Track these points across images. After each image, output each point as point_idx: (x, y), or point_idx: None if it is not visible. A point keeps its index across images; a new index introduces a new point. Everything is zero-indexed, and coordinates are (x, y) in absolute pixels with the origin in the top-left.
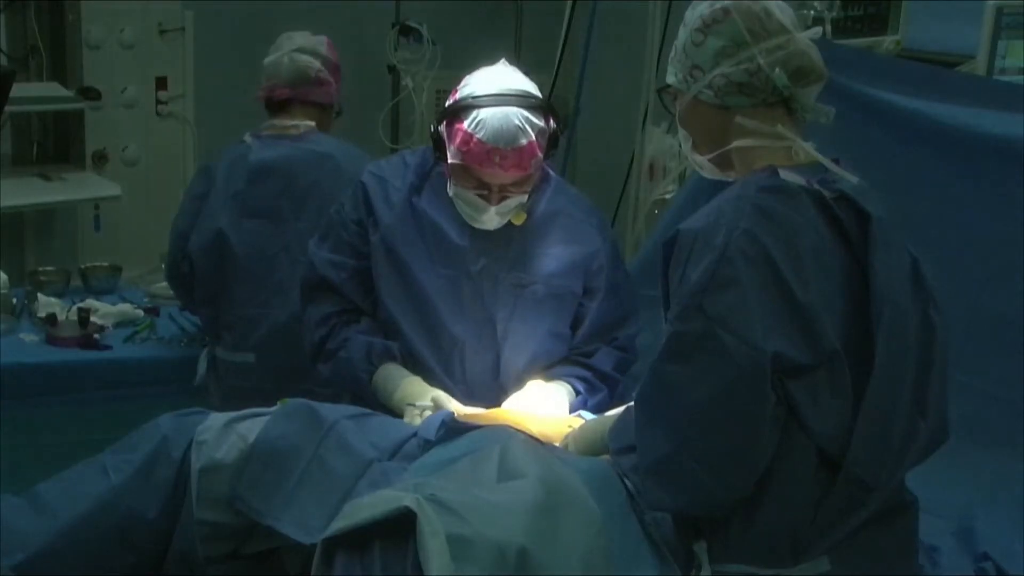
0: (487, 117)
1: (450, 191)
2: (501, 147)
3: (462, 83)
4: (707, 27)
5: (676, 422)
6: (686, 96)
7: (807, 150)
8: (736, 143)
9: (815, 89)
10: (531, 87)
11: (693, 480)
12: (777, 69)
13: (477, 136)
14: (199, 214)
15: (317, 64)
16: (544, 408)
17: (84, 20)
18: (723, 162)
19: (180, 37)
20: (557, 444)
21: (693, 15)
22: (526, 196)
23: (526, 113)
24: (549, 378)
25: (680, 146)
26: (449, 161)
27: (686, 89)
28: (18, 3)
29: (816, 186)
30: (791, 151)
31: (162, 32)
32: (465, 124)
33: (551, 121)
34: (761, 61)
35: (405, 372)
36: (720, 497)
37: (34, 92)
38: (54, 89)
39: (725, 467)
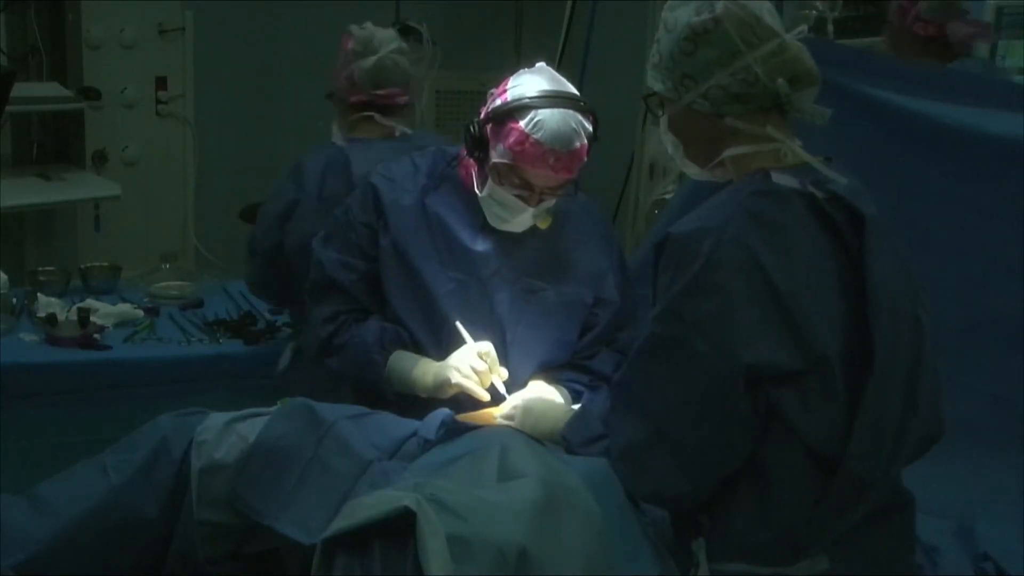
0: (546, 118)
1: (483, 191)
2: (557, 148)
3: (509, 84)
4: (697, 36)
5: (652, 413)
6: (677, 105)
7: (796, 151)
8: (729, 152)
9: (811, 92)
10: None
11: (662, 471)
12: (780, 80)
13: (534, 137)
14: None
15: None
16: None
17: (84, 20)
18: (715, 165)
19: (180, 37)
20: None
21: (676, 21)
22: (554, 200)
23: (579, 116)
24: (549, 381)
25: (669, 148)
26: (495, 160)
27: (677, 98)
28: (18, 3)
29: (809, 188)
30: (781, 152)
31: (162, 32)
32: (522, 124)
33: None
34: (758, 70)
35: (419, 356)
36: (684, 492)
37: (34, 92)
38: (54, 89)
39: (695, 462)
